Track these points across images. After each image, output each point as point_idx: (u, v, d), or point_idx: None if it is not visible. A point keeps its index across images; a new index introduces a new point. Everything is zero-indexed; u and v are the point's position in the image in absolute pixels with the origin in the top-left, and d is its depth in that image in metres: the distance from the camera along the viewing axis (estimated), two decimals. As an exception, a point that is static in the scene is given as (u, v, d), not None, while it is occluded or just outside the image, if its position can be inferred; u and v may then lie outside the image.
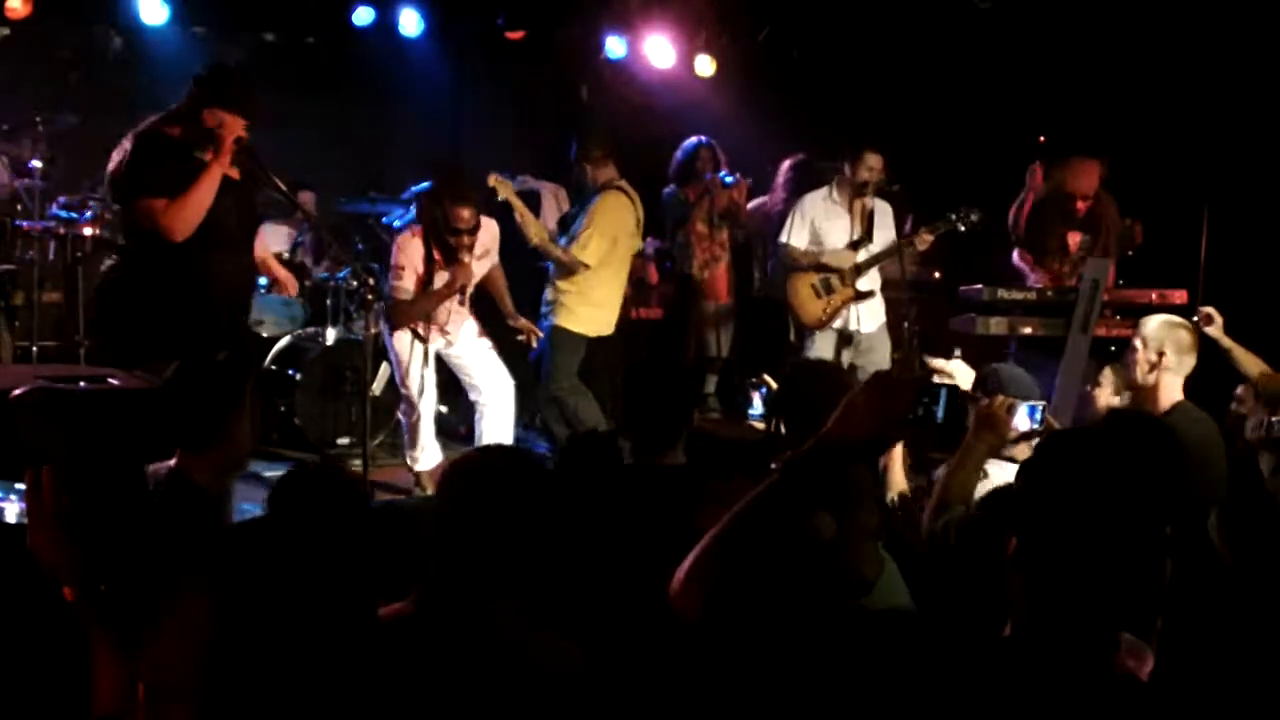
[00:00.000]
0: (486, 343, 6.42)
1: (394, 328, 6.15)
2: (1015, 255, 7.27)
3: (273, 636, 1.58)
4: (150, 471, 3.34)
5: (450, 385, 6.56)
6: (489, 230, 6.28)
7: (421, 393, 6.20)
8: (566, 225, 6.93)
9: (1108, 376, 5.08)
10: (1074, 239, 7.07)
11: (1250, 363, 5.32)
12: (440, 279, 6.08)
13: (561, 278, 6.65)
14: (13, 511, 2.18)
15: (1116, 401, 4.94)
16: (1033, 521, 1.85)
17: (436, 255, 6.05)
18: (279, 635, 1.58)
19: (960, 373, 4.30)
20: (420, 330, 6.14)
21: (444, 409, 6.69)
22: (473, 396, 6.43)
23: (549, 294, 6.70)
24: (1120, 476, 1.85)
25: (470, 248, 6.07)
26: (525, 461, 2.56)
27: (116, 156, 4.91)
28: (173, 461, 3.38)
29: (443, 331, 6.23)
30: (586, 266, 6.56)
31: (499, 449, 2.76)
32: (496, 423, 6.34)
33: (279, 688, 1.57)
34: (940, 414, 1.95)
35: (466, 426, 6.88)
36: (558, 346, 6.59)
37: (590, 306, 6.67)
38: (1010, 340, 6.66)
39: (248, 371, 4.84)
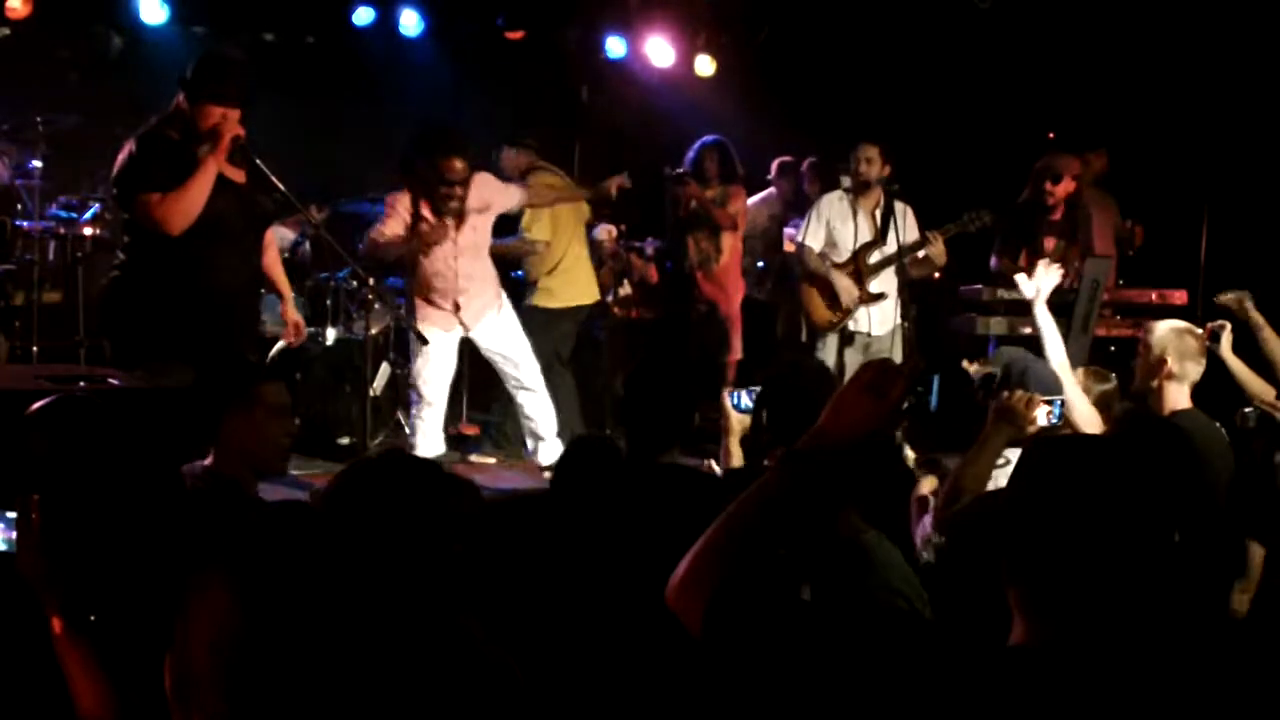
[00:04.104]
0: (517, 329, 6.34)
1: (372, 265, 6.09)
2: (993, 261, 7.11)
3: (295, 629, 1.56)
4: (185, 471, 3.35)
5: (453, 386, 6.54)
6: (486, 184, 6.18)
7: (429, 384, 6.18)
8: (515, 222, 7.05)
9: (1079, 376, 5.01)
10: (1049, 244, 6.95)
11: (1254, 383, 5.15)
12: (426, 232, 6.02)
13: (527, 263, 7.06)
14: (2, 540, 2.16)
15: (1083, 402, 4.85)
16: (1022, 539, 1.75)
17: (425, 210, 5.97)
18: (301, 627, 1.56)
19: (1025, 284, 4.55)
20: (431, 319, 6.13)
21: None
22: (509, 386, 6.37)
23: (525, 277, 7.10)
24: (1119, 482, 1.74)
25: (460, 201, 5.97)
26: (411, 465, 2.43)
27: (120, 158, 4.90)
28: (209, 460, 3.39)
29: (455, 309, 6.17)
30: (546, 243, 6.97)
31: (390, 455, 2.68)
32: (537, 411, 6.35)
33: (300, 680, 1.55)
34: (934, 403, 1.92)
35: (454, 428, 6.97)
36: (533, 329, 6.64)
37: (560, 280, 7.09)
38: (992, 339, 6.53)
39: (258, 369, 4.81)
